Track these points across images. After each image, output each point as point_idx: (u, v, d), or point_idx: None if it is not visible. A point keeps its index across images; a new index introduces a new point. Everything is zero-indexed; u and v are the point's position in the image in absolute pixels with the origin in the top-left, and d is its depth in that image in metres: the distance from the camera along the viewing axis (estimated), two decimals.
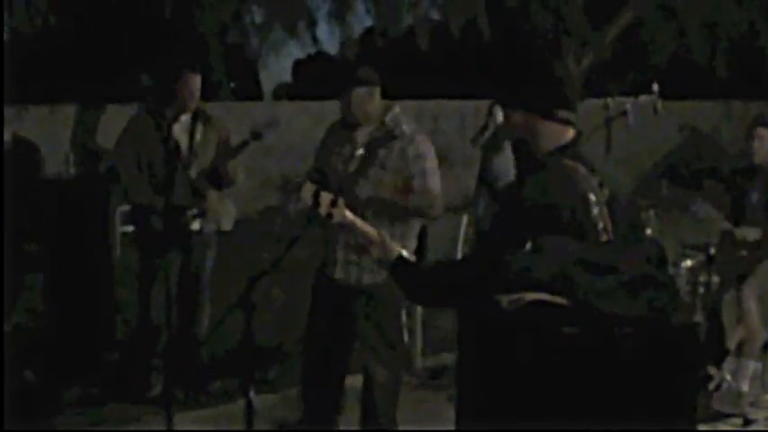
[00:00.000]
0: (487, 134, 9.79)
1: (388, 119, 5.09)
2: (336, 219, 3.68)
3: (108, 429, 6.05)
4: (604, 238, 3.15)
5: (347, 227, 3.74)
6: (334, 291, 5.15)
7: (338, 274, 5.12)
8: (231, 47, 15.01)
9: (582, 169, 3.22)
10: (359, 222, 3.69)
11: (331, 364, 5.24)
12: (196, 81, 6.45)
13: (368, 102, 5.09)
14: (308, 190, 4.21)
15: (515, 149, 3.64)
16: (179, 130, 6.44)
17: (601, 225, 3.18)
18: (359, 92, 5.07)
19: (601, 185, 3.19)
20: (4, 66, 10.66)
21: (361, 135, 5.13)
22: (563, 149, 3.28)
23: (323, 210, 3.66)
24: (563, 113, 3.32)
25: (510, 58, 3.69)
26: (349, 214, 3.69)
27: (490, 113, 9.56)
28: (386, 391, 5.17)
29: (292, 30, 15.58)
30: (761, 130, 6.59)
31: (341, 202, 3.66)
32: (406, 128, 5.10)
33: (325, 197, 3.69)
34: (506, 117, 3.43)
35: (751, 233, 6.46)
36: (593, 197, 3.16)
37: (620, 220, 3.20)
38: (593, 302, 2.76)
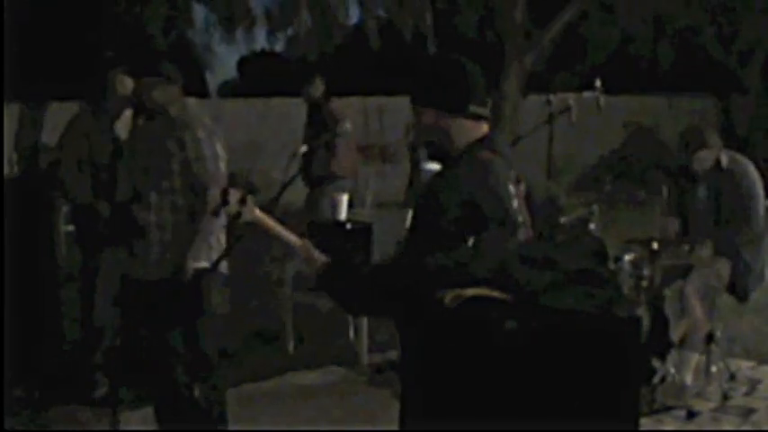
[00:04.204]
0: (414, 130, 9.87)
1: (174, 111, 5.27)
2: (245, 218, 3.54)
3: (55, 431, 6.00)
4: (522, 232, 3.15)
5: (258, 227, 3.60)
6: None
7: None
8: (175, 43, 14.90)
9: (498, 161, 3.22)
10: (271, 223, 3.57)
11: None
12: (127, 82, 6.43)
13: (157, 91, 5.28)
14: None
15: (429, 146, 3.49)
16: (120, 127, 6.40)
17: (520, 218, 3.18)
18: (148, 81, 5.31)
19: (518, 181, 3.20)
20: (3, 65, 10.51)
21: (151, 126, 5.35)
22: (478, 143, 3.28)
23: (231, 208, 3.52)
24: (474, 109, 3.30)
25: (421, 56, 3.61)
26: (260, 214, 3.57)
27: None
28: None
29: (237, 27, 15.53)
30: (701, 154, 6.54)
31: (250, 200, 3.52)
32: (189, 119, 5.26)
33: (234, 195, 3.53)
34: (417, 116, 3.38)
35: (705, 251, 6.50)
36: (511, 188, 3.16)
37: (537, 216, 3.22)
38: (533, 297, 2.77)
